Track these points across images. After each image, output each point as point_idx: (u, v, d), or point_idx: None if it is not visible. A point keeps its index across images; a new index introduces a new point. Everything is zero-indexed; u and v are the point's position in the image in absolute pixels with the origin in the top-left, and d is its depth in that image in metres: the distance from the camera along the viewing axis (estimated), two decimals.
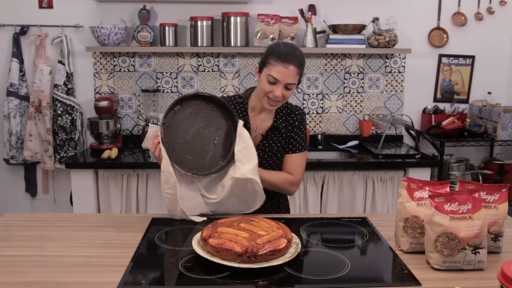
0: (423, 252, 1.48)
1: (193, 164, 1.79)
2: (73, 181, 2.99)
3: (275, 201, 2.08)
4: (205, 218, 1.81)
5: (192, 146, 1.81)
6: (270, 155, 1.98)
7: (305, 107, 3.55)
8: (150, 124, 2.46)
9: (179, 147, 1.79)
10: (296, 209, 3.03)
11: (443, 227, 1.38)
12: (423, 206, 1.50)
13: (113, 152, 3.08)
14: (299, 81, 1.90)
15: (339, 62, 3.51)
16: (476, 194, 1.43)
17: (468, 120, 3.52)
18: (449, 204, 1.39)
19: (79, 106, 3.41)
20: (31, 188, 3.56)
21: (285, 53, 1.80)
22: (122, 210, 3.02)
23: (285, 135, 1.99)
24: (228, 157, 1.83)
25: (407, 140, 3.60)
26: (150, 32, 3.29)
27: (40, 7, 3.36)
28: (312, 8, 3.38)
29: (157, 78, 3.48)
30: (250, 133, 1.89)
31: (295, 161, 1.99)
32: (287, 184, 1.97)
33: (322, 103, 3.56)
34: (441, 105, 3.59)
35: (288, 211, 2.16)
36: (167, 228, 1.74)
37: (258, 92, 1.91)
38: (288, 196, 2.16)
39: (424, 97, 3.61)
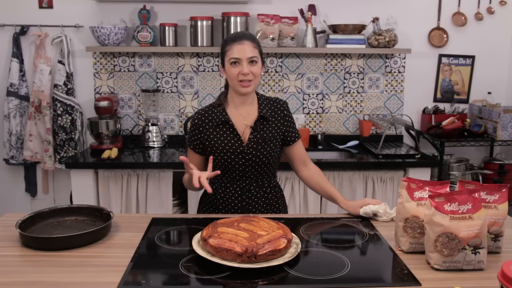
0: (423, 252, 1.48)
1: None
2: (73, 181, 2.99)
3: (271, 201, 2.05)
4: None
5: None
6: (263, 145, 1.96)
7: (305, 107, 3.55)
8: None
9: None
10: (296, 209, 3.03)
11: (443, 227, 1.38)
12: (423, 206, 1.50)
13: (113, 152, 3.08)
14: (263, 60, 1.93)
15: (339, 62, 3.51)
16: (476, 194, 1.43)
17: (468, 120, 3.51)
18: (449, 204, 1.39)
19: (79, 106, 3.41)
20: (31, 188, 3.56)
21: (235, 34, 1.90)
22: (122, 210, 3.02)
23: (274, 125, 1.99)
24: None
25: (407, 140, 3.60)
26: (150, 32, 3.29)
27: (40, 7, 3.36)
28: (312, 8, 3.38)
29: (157, 78, 3.48)
30: (236, 131, 1.94)
31: (300, 149, 2.07)
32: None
33: (322, 103, 3.56)
34: (441, 105, 3.59)
35: (285, 210, 2.13)
36: (167, 228, 1.74)
37: (231, 85, 1.94)
38: (285, 195, 2.16)
39: (424, 97, 3.61)
